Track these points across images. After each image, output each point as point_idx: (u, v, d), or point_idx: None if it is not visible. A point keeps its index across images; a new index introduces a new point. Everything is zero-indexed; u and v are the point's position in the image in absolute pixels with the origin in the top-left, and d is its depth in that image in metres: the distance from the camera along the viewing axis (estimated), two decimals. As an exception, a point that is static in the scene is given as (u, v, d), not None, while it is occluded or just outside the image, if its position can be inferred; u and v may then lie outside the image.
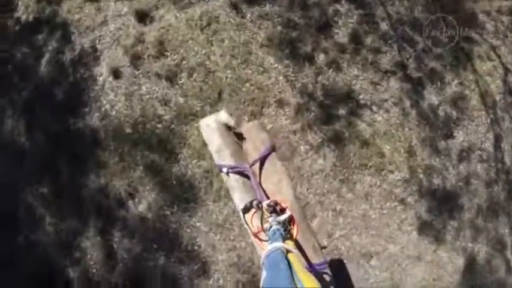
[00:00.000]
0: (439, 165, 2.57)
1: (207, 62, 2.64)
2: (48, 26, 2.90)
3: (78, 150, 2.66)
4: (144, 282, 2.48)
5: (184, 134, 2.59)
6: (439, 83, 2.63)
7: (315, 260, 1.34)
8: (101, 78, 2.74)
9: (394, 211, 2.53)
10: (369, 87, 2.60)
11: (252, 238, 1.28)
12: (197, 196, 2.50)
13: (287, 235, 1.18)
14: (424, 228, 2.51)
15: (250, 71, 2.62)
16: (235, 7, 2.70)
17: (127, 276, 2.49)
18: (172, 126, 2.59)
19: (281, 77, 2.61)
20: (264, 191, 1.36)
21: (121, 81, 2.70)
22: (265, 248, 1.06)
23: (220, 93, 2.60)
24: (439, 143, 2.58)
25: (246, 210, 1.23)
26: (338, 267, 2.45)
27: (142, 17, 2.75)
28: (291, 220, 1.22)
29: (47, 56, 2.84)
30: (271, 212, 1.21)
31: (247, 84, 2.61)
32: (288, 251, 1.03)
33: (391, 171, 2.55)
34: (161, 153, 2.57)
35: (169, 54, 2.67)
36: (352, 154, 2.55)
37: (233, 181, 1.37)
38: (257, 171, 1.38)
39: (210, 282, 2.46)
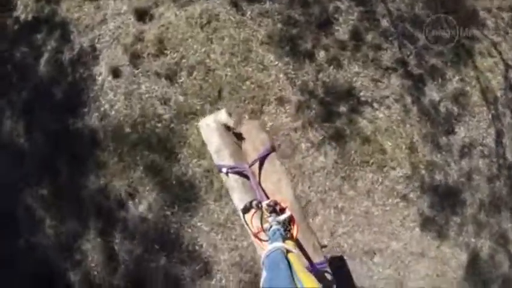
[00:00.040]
0: (440, 161, 2.49)
1: (207, 60, 2.55)
2: (47, 25, 2.81)
3: (78, 150, 2.56)
4: (146, 284, 2.38)
5: (184, 133, 2.50)
6: (440, 80, 2.55)
7: (315, 260, 1.31)
8: (100, 78, 2.64)
9: (397, 208, 2.45)
10: (370, 84, 2.52)
11: (252, 238, 1.24)
12: (198, 196, 2.41)
13: (287, 235, 1.15)
14: (426, 224, 2.43)
15: (250, 69, 2.53)
16: (235, 5, 2.61)
17: (128, 278, 2.39)
18: (172, 125, 2.50)
19: (281, 75, 2.52)
20: (263, 191, 1.32)
21: (120, 81, 2.61)
22: (265, 248, 1.03)
23: (220, 92, 2.51)
24: (441, 139, 2.50)
25: (245, 210, 1.19)
26: (339, 264, 2.36)
27: (142, 15, 2.66)
28: (291, 220, 1.19)
29: (46, 55, 2.74)
30: (271, 212, 1.18)
31: (248, 82, 2.52)
32: (288, 251, 1.00)
33: (393, 168, 2.46)
34: (161, 152, 2.47)
35: (168, 52, 2.58)
36: (353, 151, 2.46)
37: (232, 181, 1.33)
38: (256, 171, 1.34)
39: (213, 282, 2.36)
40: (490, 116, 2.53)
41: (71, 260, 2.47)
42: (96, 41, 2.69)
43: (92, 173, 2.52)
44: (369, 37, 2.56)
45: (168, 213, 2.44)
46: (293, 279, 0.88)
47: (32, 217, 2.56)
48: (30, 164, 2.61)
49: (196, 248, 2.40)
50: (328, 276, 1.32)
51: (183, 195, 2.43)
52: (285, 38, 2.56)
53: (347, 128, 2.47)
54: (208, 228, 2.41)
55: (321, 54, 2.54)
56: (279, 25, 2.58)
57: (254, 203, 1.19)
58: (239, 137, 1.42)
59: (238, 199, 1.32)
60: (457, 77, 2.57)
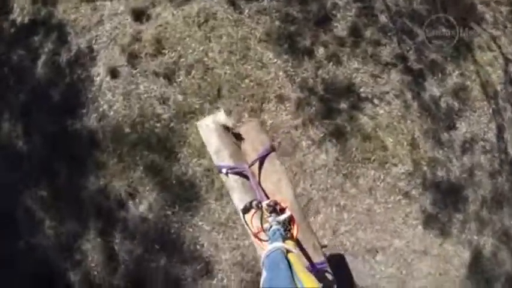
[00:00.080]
0: (442, 157, 2.40)
1: (205, 59, 2.46)
2: (44, 27, 2.72)
3: (77, 151, 2.48)
4: (146, 284, 2.30)
5: (184, 132, 2.41)
6: (440, 75, 2.47)
7: (315, 259, 1.28)
8: (98, 79, 2.55)
9: (399, 205, 2.36)
10: (370, 80, 2.43)
11: (252, 238, 1.22)
12: (198, 195, 2.32)
13: (287, 235, 1.13)
14: (429, 221, 2.35)
15: (249, 67, 2.44)
16: (232, 3, 2.52)
17: (129, 278, 2.31)
18: (172, 124, 2.41)
19: (281, 72, 2.43)
20: (263, 191, 1.29)
21: (118, 81, 2.52)
22: (265, 248, 1.00)
23: (219, 90, 2.42)
24: (442, 134, 2.42)
25: (245, 210, 1.17)
26: (339, 262, 2.27)
27: (139, 15, 2.57)
28: (291, 220, 1.17)
29: (43, 57, 2.66)
30: (271, 212, 1.15)
31: (247, 80, 2.43)
32: (288, 251, 0.97)
33: (395, 165, 2.38)
34: (161, 152, 2.39)
35: (166, 52, 2.49)
36: (354, 148, 2.38)
37: (232, 181, 1.31)
38: (256, 172, 1.32)
39: (214, 282, 2.28)
40: (490, 111, 2.44)
41: (71, 260, 2.39)
42: (94, 42, 2.61)
43: (91, 174, 2.44)
44: (368, 33, 2.48)
45: (169, 213, 2.35)
46: (293, 279, 0.86)
47: (31, 218, 2.48)
48: (29, 165, 2.52)
49: (197, 247, 2.31)
50: (329, 276, 1.29)
51: (184, 194, 2.35)
52: (284, 35, 2.47)
53: (348, 125, 2.38)
54: (209, 228, 2.33)
55: (320, 51, 2.45)
56: (277, 22, 2.49)
57: (254, 203, 1.15)
58: (238, 137, 1.38)
59: (238, 199, 1.29)
60: (457, 72, 2.48)
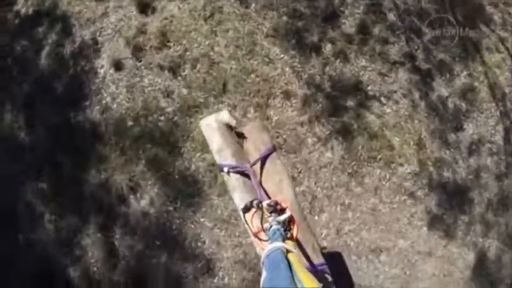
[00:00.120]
0: (449, 158, 2.27)
1: (211, 53, 2.32)
2: (48, 18, 2.57)
3: (79, 144, 2.33)
4: (147, 281, 2.16)
5: (188, 126, 2.27)
6: (448, 75, 2.34)
7: (315, 261, 1.25)
8: (102, 71, 2.41)
9: (404, 205, 2.23)
10: (377, 79, 2.30)
11: (252, 238, 1.18)
12: (201, 190, 2.19)
13: (287, 235, 1.09)
14: (434, 223, 2.22)
15: (255, 62, 2.30)
16: (239, -3, 2.38)
17: (129, 275, 2.17)
18: (175, 118, 2.27)
19: (287, 68, 2.30)
20: (264, 190, 1.26)
21: (122, 74, 2.38)
22: (265, 248, 0.97)
23: (224, 85, 2.28)
24: (449, 135, 2.29)
25: (246, 209, 1.12)
26: (338, 262, 2.13)
27: (144, 7, 2.43)
28: (291, 220, 1.12)
29: (47, 49, 2.51)
30: (271, 212, 1.11)
31: (253, 76, 2.29)
32: (288, 251, 0.94)
33: (401, 164, 2.24)
34: (164, 146, 2.25)
35: (172, 45, 2.35)
36: (360, 147, 2.24)
37: (234, 180, 1.27)
38: (258, 171, 1.28)
39: (215, 280, 2.14)
40: (498, 113, 2.31)
41: (71, 256, 2.24)
42: (98, 34, 2.46)
43: (93, 167, 2.29)
44: (376, 31, 2.34)
45: (171, 208, 2.21)
46: (293, 279, 0.83)
47: (32, 212, 2.33)
48: (31, 158, 2.37)
49: (199, 244, 2.18)
50: (328, 277, 1.26)
51: (186, 190, 2.21)
52: (291, 31, 2.33)
53: (354, 123, 2.25)
54: (211, 224, 2.19)
55: (328, 48, 2.32)
56: (284, 18, 2.35)
57: (254, 202, 1.11)
58: (241, 136, 1.34)
59: (239, 198, 1.25)
60: (465, 72, 2.35)
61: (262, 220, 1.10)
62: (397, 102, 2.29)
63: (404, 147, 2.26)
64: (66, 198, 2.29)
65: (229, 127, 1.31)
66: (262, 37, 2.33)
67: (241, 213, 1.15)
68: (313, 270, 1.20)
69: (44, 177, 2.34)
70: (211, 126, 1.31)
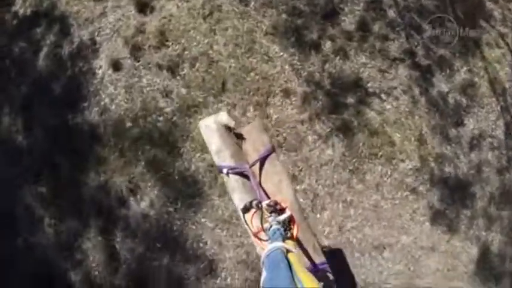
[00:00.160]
0: (450, 154, 2.16)
1: (210, 52, 2.20)
2: (46, 19, 2.44)
3: (77, 145, 2.20)
4: (148, 283, 2.03)
5: (187, 126, 2.14)
6: (448, 71, 2.22)
7: (316, 260, 1.22)
8: (100, 71, 2.28)
9: (406, 201, 2.12)
10: (377, 75, 2.18)
11: (252, 238, 1.14)
12: (201, 191, 2.07)
13: (287, 235, 1.06)
14: (436, 218, 2.11)
15: (254, 60, 2.18)
16: (238, -5, 2.25)
17: (130, 278, 2.05)
18: (175, 118, 2.15)
19: (287, 66, 2.17)
20: (264, 191, 1.22)
21: (121, 74, 2.25)
22: (265, 248, 0.93)
23: (223, 84, 2.16)
24: (450, 130, 2.18)
25: (245, 210, 1.09)
26: (340, 260, 2.02)
27: (143, 7, 2.30)
28: (291, 220, 1.09)
29: (45, 49, 2.38)
30: (271, 212, 1.08)
31: (252, 74, 2.17)
32: (288, 251, 0.91)
33: (402, 160, 2.13)
34: (163, 147, 2.12)
35: (170, 44, 2.22)
36: (361, 143, 2.13)
37: (233, 181, 1.23)
38: (257, 172, 1.24)
39: (218, 281, 2.02)
40: (498, 108, 2.21)
41: (71, 260, 2.12)
42: (96, 34, 2.33)
43: (92, 169, 2.16)
44: (376, 27, 2.23)
45: (171, 209, 2.09)
46: (293, 279, 0.80)
47: (31, 215, 2.20)
48: (29, 160, 2.24)
49: (201, 245, 2.05)
50: (330, 275, 1.22)
51: (186, 190, 2.09)
52: (290, 28, 2.21)
53: (355, 120, 2.13)
54: (212, 225, 2.07)
55: (327, 45, 2.20)
56: (284, 15, 2.23)
57: (254, 202, 1.07)
58: (240, 137, 1.29)
59: (239, 199, 1.21)
60: (465, 68, 2.24)
61: (262, 220, 1.06)
62: (397, 99, 2.18)
63: (405, 143, 2.15)
64: (66, 202, 2.15)
65: (228, 128, 1.27)
66: (262, 35, 2.21)
67: (240, 214, 1.11)
68: (315, 269, 1.17)
69: (43, 181, 2.20)
70: (210, 127, 1.27)
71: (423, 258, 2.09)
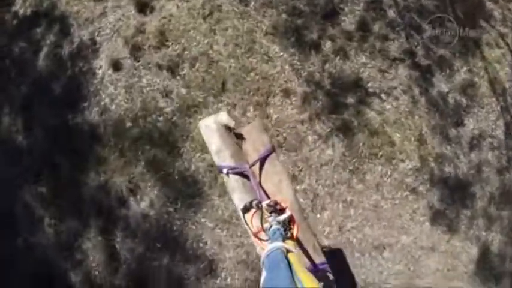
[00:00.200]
0: (450, 154, 2.14)
1: (210, 52, 2.17)
2: (46, 19, 2.41)
3: (77, 146, 2.18)
4: (149, 284, 2.01)
5: (187, 126, 2.12)
6: (448, 71, 2.20)
7: (316, 260, 1.21)
8: (100, 71, 2.25)
9: (406, 201, 2.10)
10: (377, 75, 2.16)
11: (252, 238, 1.13)
12: (201, 191, 2.05)
13: (287, 235, 1.05)
14: (436, 218, 2.09)
15: (254, 60, 2.16)
16: (238, -5, 2.23)
17: (130, 278, 2.03)
18: (175, 118, 2.12)
19: (287, 66, 2.15)
20: (264, 191, 1.21)
21: (121, 74, 2.22)
22: (265, 248, 0.92)
23: (223, 84, 2.14)
24: (450, 130, 2.16)
25: (245, 210, 1.08)
26: (340, 260, 2.00)
27: (143, 7, 2.27)
28: (291, 220, 1.08)
29: (45, 49, 2.35)
30: (271, 212, 1.07)
31: (252, 74, 2.15)
32: (288, 251, 0.90)
33: (402, 160, 2.11)
34: (163, 147, 2.10)
35: (170, 44, 2.20)
36: (361, 143, 2.11)
37: (233, 181, 1.22)
38: (257, 172, 1.23)
39: (218, 281, 2.00)
40: (498, 108, 2.19)
41: (71, 260, 2.09)
42: (96, 34, 2.31)
43: (92, 169, 2.14)
44: (376, 27, 2.21)
45: (171, 209, 2.07)
46: (293, 279, 0.79)
47: (31, 215, 2.18)
48: (29, 161, 2.22)
49: (201, 245, 2.03)
50: (330, 275, 1.21)
51: (186, 190, 2.07)
52: (290, 28, 2.19)
53: (355, 120, 2.11)
54: (212, 225, 2.05)
55: (327, 45, 2.17)
56: (284, 16, 2.21)
57: (254, 202, 1.07)
58: (240, 137, 1.29)
59: (239, 199, 1.20)
60: (465, 68, 2.22)
61: (262, 220, 1.05)
62: (397, 99, 2.15)
63: (405, 143, 2.13)
64: (66, 201, 2.13)
65: (228, 128, 1.26)
66: (262, 35, 2.18)
67: (240, 214, 1.10)
68: (315, 269, 1.17)
69: (43, 181, 2.18)
70: (210, 127, 1.25)
71: (423, 258, 2.07)
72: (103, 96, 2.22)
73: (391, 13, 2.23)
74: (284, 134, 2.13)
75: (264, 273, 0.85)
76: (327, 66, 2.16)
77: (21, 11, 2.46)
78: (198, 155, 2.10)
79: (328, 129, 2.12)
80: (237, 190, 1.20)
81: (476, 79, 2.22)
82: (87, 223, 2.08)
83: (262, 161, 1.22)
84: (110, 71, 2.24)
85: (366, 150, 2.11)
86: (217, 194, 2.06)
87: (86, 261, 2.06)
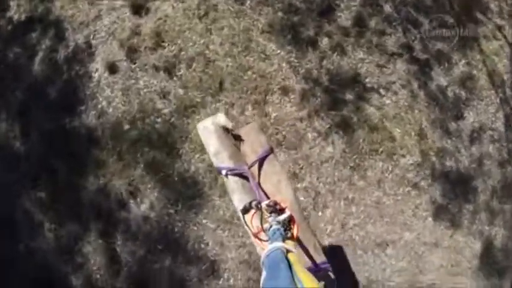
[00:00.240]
0: (450, 147, 2.12)
1: (207, 52, 2.15)
2: (41, 24, 2.38)
3: (75, 149, 2.16)
4: (150, 286, 1.99)
5: (186, 127, 2.10)
6: (446, 64, 2.18)
7: (316, 259, 1.21)
8: (96, 75, 2.23)
9: (408, 196, 2.08)
10: (376, 70, 2.14)
11: (252, 238, 1.13)
12: (202, 192, 2.02)
13: (287, 235, 1.04)
14: (439, 213, 2.07)
15: (251, 59, 2.14)
16: (233, -6, 2.21)
17: (132, 281, 2.00)
18: (173, 119, 2.10)
19: (284, 63, 2.13)
20: (263, 191, 1.21)
21: (117, 76, 2.20)
22: (265, 248, 0.92)
23: (221, 83, 2.12)
24: (450, 124, 2.14)
25: (245, 211, 1.08)
26: (340, 258, 1.98)
27: (138, 8, 2.25)
28: (290, 220, 1.07)
29: (40, 54, 2.32)
30: (270, 212, 1.06)
31: (249, 72, 2.13)
32: (288, 251, 0.90)
33: (403, 156, 2.09)
34: (162, 148, 2.08)
35: (166, 45, 2.18)
36: (361, 140, 2.09)
37: (232, 183, 1.23)
38: (256, 173, 1.23)
39: (220, 282, 1.98)
40: (498, 100, 2.17)
41: (72, 264, 2.07)
42: (92, 37, 2.28)
43: (91, 173, 2.12)
44: (373, 23, 2.19)
45: (172, 211, 2.04)
46: (293, 279, 0.79)
47: (30, 220, 2.15)
48: (27, 165, 2.19)
49: (202, 246, 2.01)
50: (331, 275, 1.21)
51: (187, 192, 2.04)
52: (287, 26, 2.17)
53: (354, 116, 2.09)
54: (214, 226, 2.02)
55: (324, 42, 2.16)
56: (280, 13, 2.19)
57: (253, 203, 1.07)
58: (238, 138, 1.29)
59: (239, 200, 1.20)
60: (463, 61, 2.20)
61: (261, 220, 1.05)
62: (396, 93, 2.14)
63: (405, 138, 2.11)
64: (65, 206, 2.11)
65: (226, 130, 1.25)
66: (258, 33, 2.16)
67: (240, 215, 1.10)
68: (315, 269, 1.16)
69: (41, 185, 2.16)
70: (208, 129, 1.25)
71: (426, 254, 2.05)
72: (100, 99, 2.20)
73: (388, 8, 2.21)
74: (283, 132, 2.11)
75: (264, 274, 0.85)
76: (324, 62, 2.14)
77: (15, 17, 2.43)
78: (197, 155, 2.07)
79: (328, 126, 2.10)
80: (236, 191, 1.20)
81: (474, 72, 2.20)
82: (87, 227, 2.06)
83: (261, 161, 1.22)
84: (106, 74, 2.22)
85: (366, 146, 2.09)
86: (218, 194, 2.04)
87: (87, 265, 2.03)
